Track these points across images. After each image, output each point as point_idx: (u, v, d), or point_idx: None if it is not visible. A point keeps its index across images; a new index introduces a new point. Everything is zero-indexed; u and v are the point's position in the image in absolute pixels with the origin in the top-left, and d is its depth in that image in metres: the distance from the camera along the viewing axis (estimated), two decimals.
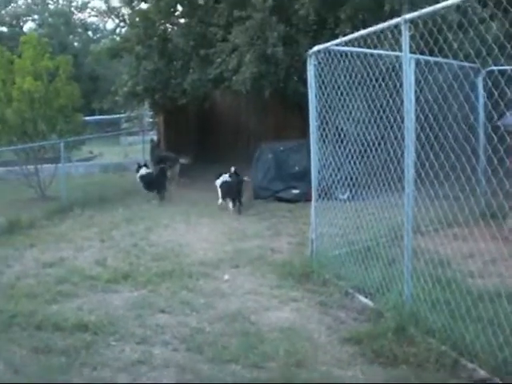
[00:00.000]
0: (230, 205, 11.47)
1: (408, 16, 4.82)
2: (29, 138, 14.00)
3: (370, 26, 5.80)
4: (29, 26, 46.72)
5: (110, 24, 39.77)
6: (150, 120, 24.20)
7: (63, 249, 8.75)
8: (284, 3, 12.61)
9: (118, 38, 19.80)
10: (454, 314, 4.71)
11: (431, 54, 5.79)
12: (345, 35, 7.20)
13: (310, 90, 7.05)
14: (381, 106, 6.06)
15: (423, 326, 4.78)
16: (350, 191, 7.60)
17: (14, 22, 46.44)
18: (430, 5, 4.71)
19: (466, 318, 4.59)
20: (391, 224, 6.93)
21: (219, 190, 11.77)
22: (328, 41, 6.99)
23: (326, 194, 7.37)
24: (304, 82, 7.20)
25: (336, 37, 7.81)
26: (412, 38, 5.20)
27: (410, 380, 4.11)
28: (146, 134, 22.07)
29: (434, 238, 6.32)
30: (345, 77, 6.59)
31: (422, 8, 4.80)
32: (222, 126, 18.01)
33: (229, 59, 12.74)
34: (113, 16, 18.50)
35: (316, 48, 6.88)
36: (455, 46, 5.40)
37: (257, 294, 6.30)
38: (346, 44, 6.52)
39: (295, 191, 12.34)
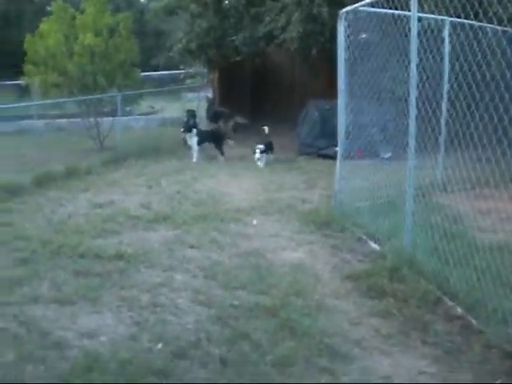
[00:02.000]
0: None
1: None
2: (89, 90, 14.60)
3: None
4: None
5: None
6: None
7: (114, 193, 9.48)
8: None
9: None
10: (446, 260, 5.06)
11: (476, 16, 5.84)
12: None
13: (339, 51, 7.42)
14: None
15: (416, 269, 5.18)
16: (392, 151, 7.94)
17: None
18: None
19: (451, 262, 4.97)
20: (421, 182, 6.81)
21: None
22: None
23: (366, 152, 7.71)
24: None
25: None
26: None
27: (391, 311, 4.63)
28: (202, 90, 22.55)
29: (458, 196, 6.42)
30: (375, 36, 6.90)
31: None
32: (273, 83, 18.16)
33: (278, 18, 13.09)
34: None
35: (345, 9, 7.21)
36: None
37: (278, 236, 6.86)
38: (374, 6, 6.74)
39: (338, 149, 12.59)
